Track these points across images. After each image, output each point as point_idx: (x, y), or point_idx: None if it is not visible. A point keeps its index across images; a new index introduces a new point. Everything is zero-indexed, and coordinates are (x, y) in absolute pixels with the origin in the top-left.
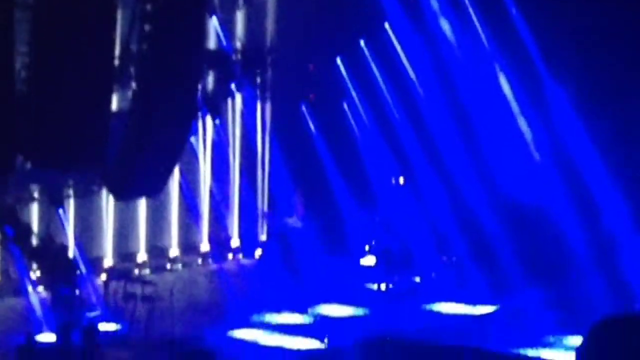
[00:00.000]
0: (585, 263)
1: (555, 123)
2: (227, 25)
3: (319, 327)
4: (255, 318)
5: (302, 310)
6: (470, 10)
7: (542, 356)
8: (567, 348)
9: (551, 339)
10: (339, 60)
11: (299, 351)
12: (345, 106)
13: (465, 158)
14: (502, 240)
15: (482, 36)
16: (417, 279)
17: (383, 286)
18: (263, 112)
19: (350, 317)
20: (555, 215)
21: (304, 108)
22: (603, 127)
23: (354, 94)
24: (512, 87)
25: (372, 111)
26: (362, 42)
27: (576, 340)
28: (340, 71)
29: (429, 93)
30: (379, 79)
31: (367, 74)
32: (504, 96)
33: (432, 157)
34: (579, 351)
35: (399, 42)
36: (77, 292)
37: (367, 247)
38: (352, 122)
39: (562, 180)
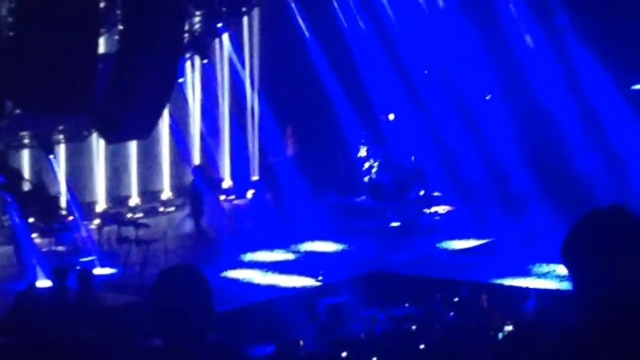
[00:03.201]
0: (595, 187)
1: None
2: None
3: (312, 264)
4: (248, 257)
5: (294, 248)
6: None
7: (534, 285)
8: (561, 277)
9: (545, 267)
10: None
11: (294, 288)
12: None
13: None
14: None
15: None
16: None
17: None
18: (251, 48)
19: (341, 252)
20: (563, 140)
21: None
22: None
23: None
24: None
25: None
26: None
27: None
28: None
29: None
30: None
31: None
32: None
33: (437, 72)
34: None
35: None
36: (70, 237)
37: (367, 179)
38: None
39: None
